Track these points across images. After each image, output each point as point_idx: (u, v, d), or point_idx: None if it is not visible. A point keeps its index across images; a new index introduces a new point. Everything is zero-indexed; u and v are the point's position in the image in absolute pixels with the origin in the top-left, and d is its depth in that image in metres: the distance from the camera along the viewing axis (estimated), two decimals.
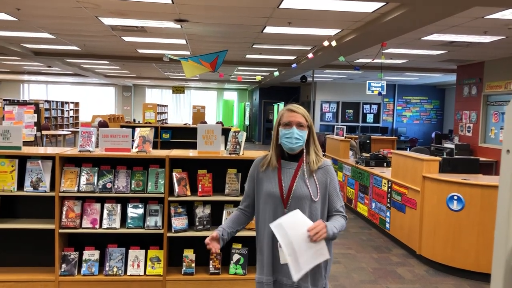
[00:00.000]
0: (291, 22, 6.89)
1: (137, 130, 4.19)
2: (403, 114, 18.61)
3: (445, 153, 6.95)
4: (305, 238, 2.03)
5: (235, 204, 4.11)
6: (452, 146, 10.74)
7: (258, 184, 2.30)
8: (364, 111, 18.53)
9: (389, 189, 6.30)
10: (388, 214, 6.35)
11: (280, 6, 5.91)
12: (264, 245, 2.25)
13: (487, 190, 4.82)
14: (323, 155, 2.36)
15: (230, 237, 2.33)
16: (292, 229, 2.05)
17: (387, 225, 6.37)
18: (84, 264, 4.02)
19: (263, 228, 2.24)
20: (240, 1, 5.78)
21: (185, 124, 13.95)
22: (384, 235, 6.51)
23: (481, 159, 8.01)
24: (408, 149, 12.78)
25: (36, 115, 8.18)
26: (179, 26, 7.42)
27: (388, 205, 6.34)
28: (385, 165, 7.40)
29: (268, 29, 7.56)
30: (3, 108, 8.25)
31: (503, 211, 1.13)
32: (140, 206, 4.08)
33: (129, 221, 4.05)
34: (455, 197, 4.96)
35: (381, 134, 17.34)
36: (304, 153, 2.25)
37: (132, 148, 4.10)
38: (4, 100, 17.14)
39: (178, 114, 25.50)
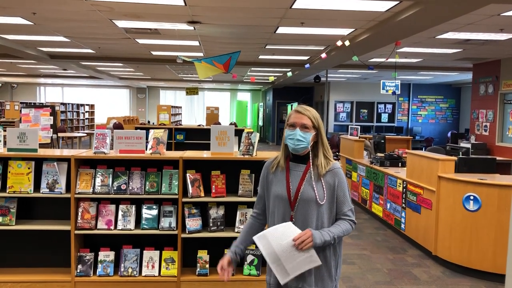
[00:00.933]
0: (304, 22, 6.87)
1: (151, 131, 4.21)
2: (418, 114, 18.42)
3: (461, 153, 6.84)
4: (291, 247, 2.09)
5: (249, 205, 4.11)
6: (469, 145, 10.58)
7: (268, 186, 2.32)
8: (379, 110, 18.39)
9: (404, 190, 6.24)
10: (403, 214, 6.29)
11: (293, 7, 5.90)
12: None
13: (504, 190, 4.74)
14: (337, 156, 2.36)
15: (245, 250, 2.38)
16: (277, 239, 2.11)
17: (402, 226, 6.31)
18: (99, 265, 4.06)
19: None
20: (253, 2, 5.78)
21: (199, 125, 14.02)
22: (399, 236, 6.45)
23: (498, 158, 7.89)
24: (423, 149, 12.64)
25: (52, 117, 8.28)
26: (192, 27, 7.46)
27: (403, 205, 6.28)
28: (400, 165, 7.34)
29: (281, 30, 7.55)
30: (20, 111, 8.37)
31: None
32: (154, 207, 4.11)
33: (143, 222, 4.08)
34: (472, 197, 4.89)
35: (396, 134, 17.18)
36: (311, 156, 2.25)
37: (146, 149, 4.13)
38: (21, 103, 17.44)
39: (192, 116, 25.64)
